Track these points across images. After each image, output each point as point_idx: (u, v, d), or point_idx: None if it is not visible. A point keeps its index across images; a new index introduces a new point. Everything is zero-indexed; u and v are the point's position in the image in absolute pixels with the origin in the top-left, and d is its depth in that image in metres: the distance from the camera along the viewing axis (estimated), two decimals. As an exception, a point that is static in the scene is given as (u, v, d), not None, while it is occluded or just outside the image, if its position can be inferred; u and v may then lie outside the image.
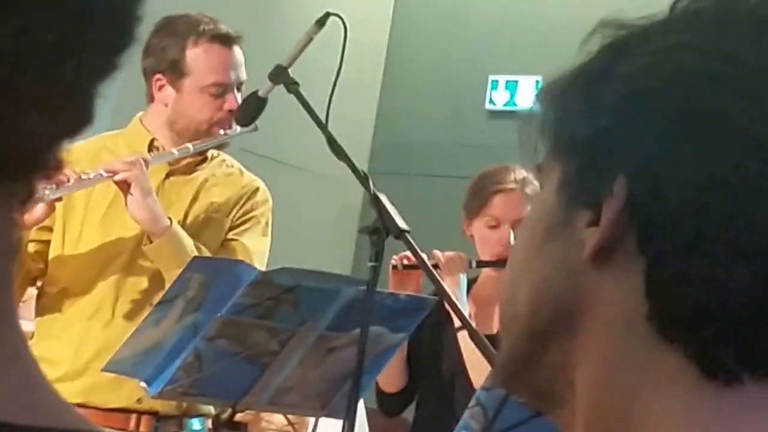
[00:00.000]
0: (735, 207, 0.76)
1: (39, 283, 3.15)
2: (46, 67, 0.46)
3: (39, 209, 2.84)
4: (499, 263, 3.33)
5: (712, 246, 0.76)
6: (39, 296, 3.14)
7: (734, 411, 0.77)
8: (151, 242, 2.96)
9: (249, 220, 3.19)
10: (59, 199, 2.89)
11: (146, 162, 2.96)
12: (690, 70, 0.80)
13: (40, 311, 3.13)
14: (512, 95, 8.11)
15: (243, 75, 3.15)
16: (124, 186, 2.91)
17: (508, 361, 0.88)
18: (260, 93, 2.86)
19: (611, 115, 0.81)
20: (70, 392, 2.90)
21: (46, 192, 2.80)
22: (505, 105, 8.13)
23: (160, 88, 3.13)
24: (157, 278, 3.01)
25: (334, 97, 2.73)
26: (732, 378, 0.76)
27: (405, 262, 3.30)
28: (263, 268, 2.85)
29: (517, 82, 8.06)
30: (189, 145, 3.08)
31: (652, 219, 0.78)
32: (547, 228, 0.85)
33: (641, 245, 0.78)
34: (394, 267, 3.32)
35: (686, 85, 0.79)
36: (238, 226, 3.18)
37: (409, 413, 3.53)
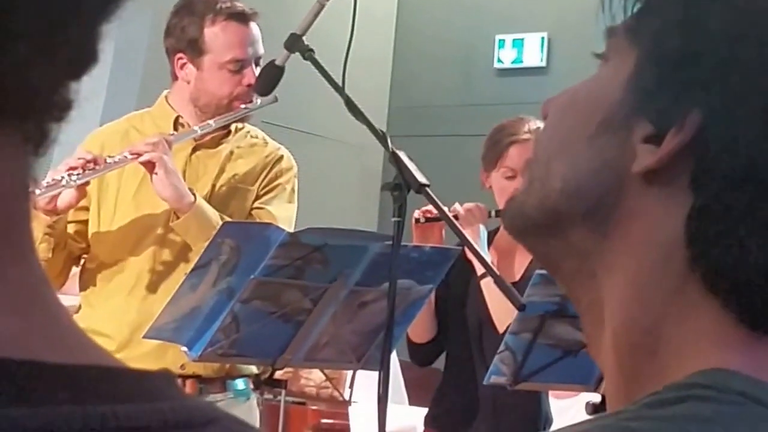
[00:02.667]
0: None
1: (82, 261, 3.21)
2: (36, 5, 0.44)
3: (70, 194, 2.90)
4: (519, 213, 3.33)
5: (763, 211, 0.76)
6: (81, 272, 3.20)
7: (761, 352, 0.77)
8: (178, 218, 3.00)
9: (275, 188, 3.22)
10: (87, 183, 2.94)
11: (169, 142, 2.99)
12: None
13: (83, 286, 3.19)
14: (519, 53, 8.09)
15: (260, 50, 3.17)
16: (149, 166, 2.95)
17: (523, 217, 0.87)
18: (277, 62, 2.86)
19: (709, 43, 0.78)
20: (117, 363, 2.93)
21: (74, 177, 2.84)
22: (512, 63, 8.12)
23: (182, 66, 3.16)
24: (187, 252, 3.06)
25: (349, 69, 2.73)
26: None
27: (427, 215, 3.31)
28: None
29: (523, 39, 8.04)
30: (210, 121, 3.11)
31: (716, 166, 0.77)
32: (603, 119, 0.82)
33: (694, 184, 0.78)
34: (417, 220, 3.32)
35: None
36: (264, 194, 3.20)
37: (441, 363, 3.55)
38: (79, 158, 2.87)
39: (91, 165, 2.89)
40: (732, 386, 0.74)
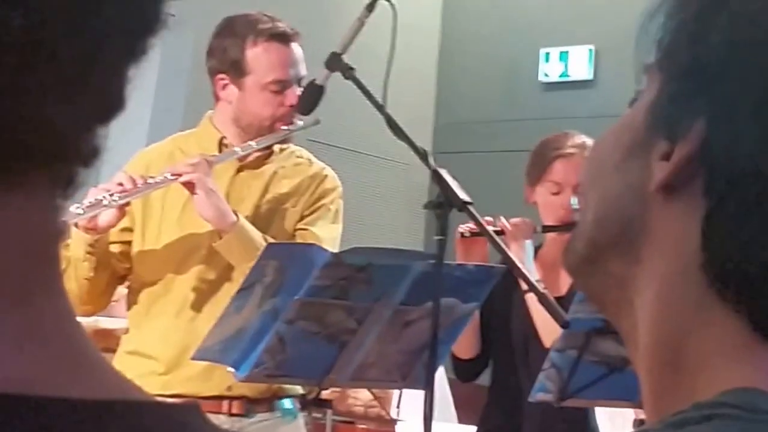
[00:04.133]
0: None
1: (128, 283, 3.20)
2: (57, 54, 0.45)
3: (110, 213, 2.89)
4: (563, 227, 3.32)
5: None
6: (128, 294, 3.20)
7: None
8: (221, 239, 2.98)
9: (319, 208, 3.19)
10: (128, 203, 2.93)
11: (210, 162, 2.98)
12: None
13: (129, 307, 3.18)
14: (565, 66, 8.02)
15: (302, 71, 3.15)
16: (190, 187, 2.94)
17: (572, 252, 0.89)
18: (318, 81, 2.86)
19: (711, 51, 0.79)
20: (165, 385, 2.94)
21: (115, 197, 2.83)
22: (559, 77, 8.05)
23: (224, 87, 3.15)
24: (231, 272, 3.05)
25: (393, 86, 2.72)
26: None
27: (472, 230, 3.29)
28: (335, 252, 2.84)
29: (568, 52, 7.97)
30: (252, 142, 3.09)
31: (722, 169, 0.77)
32: (629, 144, 0.83)
33: (706, 193, 0.78)
34: (462, 235, 3.30)
35: None
36: (309, 215, 3.18)
37: (486, 379, 3.53)
38: (118, 181, 2.87)
39: (132, 185, 2.88)
40: (760, 406, 0.74)
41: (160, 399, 0.50)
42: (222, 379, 2.93)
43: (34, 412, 0.44)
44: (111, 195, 2.84)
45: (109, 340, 3.48)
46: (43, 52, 0.45)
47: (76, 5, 0.46)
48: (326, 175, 3.24)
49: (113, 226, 2.96)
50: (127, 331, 3.17)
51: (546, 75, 8.07)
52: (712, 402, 0.74)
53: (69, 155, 0.49)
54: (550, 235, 3.44)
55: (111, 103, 0.49)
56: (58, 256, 0.50)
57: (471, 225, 3.22)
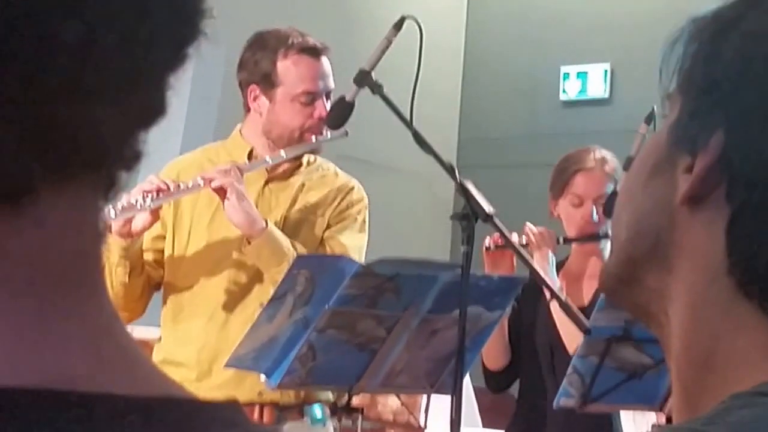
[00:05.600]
0: None
1: (162, 291, 3.20)
2: (108, 61, 0.46)
3: (143, 218, 2.90)
4: (585, 239, 3.36)
5: None
6: (163, 302, 3.19)
7: None
8: (250, 244, 2.98)
9: (345, 218, 3.20)
10: (160, 207, 2.93)
11: (241, 169, 2.99)
12: None
13: (162, 316, 3.19)
14: (583, 84, 8.07)
15: (331, 84, 3.17)
16: (221, 192, 2.95)
17: (611, 276, 0.90)
18: (347, 97, 2.88)
19: (725, 68, 0.81)
20: (197, 392, 2.91)
21: (148, 201, 2.85)
22: (577, 95, 8.10)
23: (255, 98, 3.16)
24: (261, 277, 3.05)
25: (419, 103, 2.76)
26: None
27: (497, 243, 3.30)
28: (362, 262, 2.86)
29: (587, 72, 8.01)
30: (282, 152, 3.10)
31: (741, 175, 0.79)
32: (654, 163, 0.85)
33: (728, 198, 0.80)
34: (487, 248, 3.32)
35: None
36: (335, 224, 3.19)
37: (515, 388, 3.56)
38: (152, 183, 2.88)
39: (165, 188, 2.89)
40: None
41: (202, 398, 0.50)
42: (253, 385, 2.94)
43: (80, 408, 0.45)
44: (144, 198, 2.85)
45: (145, 349, 3.49)
46: (96, 58, 0.46)
47: (128, 14, 0.47)
48: (353, 187, 3.26)
49: (146, 229, 2.97)
50: (159, 339, 3.18)
51: (565, 92, 8.12)
52: (750, 392, 0.76)
53: (114, 158, 0.49)
54: (573, 246, 3.48)
55: (154, 109, 0.50)
56: (101, 257, 0.51)
57: (496, 237, 3.25)
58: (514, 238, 3.08)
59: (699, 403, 0.80)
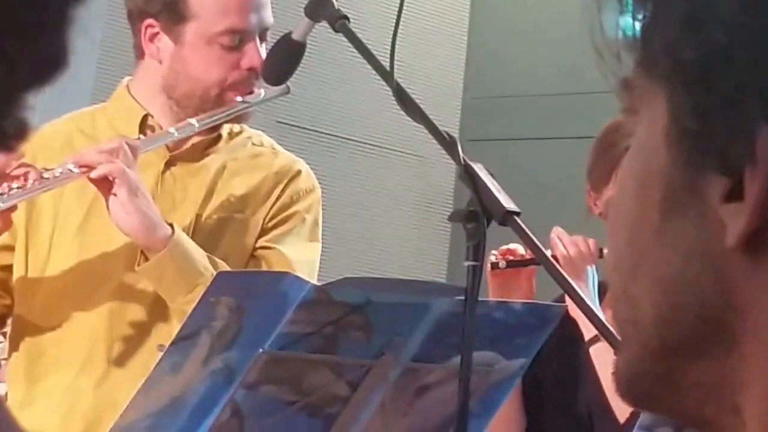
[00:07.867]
0: None
1: (7, 329, 2.80)
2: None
3: None
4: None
5: None
6: (9, 344, 2.74)
7: None
8: (147, 260, 2.58)
9: (289, 218, 2.74)
10: (14, 208, 2.49)
11: (134, 148, 2.55)
12: None
13: (10, 367, 2.74)
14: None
15: (269, 19, 2.70)
16: (104, 185, 2.51)
17: (635, 378, 0.74)
18: (294, 35, 2.37)
19: (735, 36, 0.64)
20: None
21: None
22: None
23: (152, 38, 2.67)
24: (163, 309, 2.62)
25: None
26: None
27: (508, 258, 2.87)
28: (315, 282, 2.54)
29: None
30: (193, 120, 2.64)
31: None
32: (662, 198, 0.69)
33: None
34: (494, 266, 2.85)
35: None
36: (274, 227, 2.74)
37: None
38: None
39: (20, 181, 2.45)
40: None
41: None
42: (146, 467, 2.67)
43: None
44: None
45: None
46: None
47: None
48: (298, 171, 2.79)
49: None
50: (5, 399, 2.76)
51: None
52: None
53: None
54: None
55: (52, 64, 0.57)
56: None
57: (508, 249, 2.83)
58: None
59: None
